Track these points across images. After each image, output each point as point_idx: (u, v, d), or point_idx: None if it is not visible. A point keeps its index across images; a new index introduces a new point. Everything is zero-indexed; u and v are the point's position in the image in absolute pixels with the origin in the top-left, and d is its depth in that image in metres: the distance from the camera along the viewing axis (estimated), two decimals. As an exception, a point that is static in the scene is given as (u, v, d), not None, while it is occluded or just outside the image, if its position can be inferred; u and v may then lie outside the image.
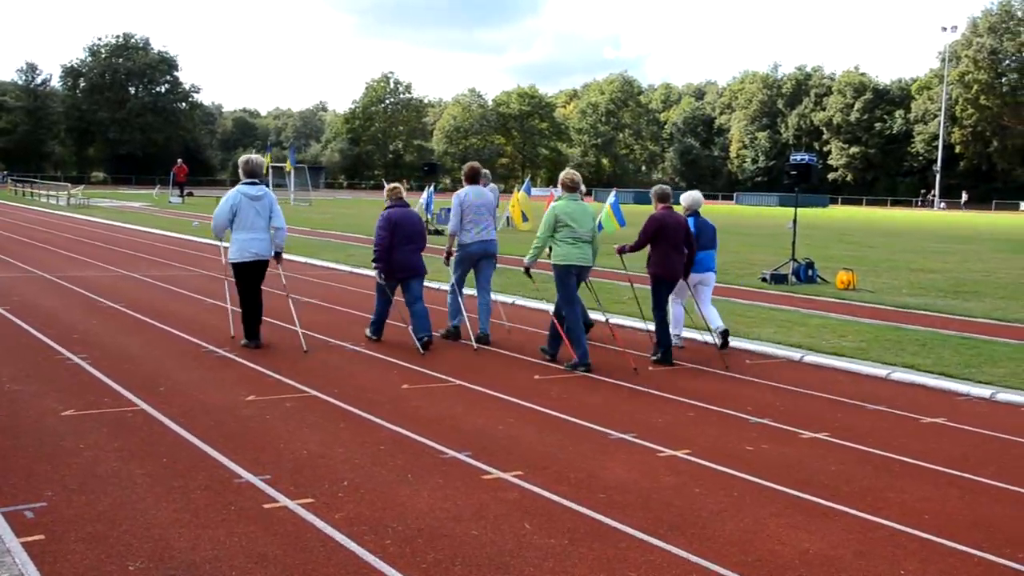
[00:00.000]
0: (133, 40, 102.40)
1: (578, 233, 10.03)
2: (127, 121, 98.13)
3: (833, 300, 14.94)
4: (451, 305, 11.30)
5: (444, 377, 8.57)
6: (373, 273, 11.10)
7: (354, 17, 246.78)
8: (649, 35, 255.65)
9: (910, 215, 67.94)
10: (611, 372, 9.06)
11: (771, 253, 23.27)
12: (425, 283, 11.85)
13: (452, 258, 11.46)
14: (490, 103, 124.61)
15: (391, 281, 10.85)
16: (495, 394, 7.94)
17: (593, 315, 11.44)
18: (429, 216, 27.29)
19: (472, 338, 10.99)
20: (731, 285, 16.61)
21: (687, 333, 11.55)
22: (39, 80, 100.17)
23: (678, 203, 11.13)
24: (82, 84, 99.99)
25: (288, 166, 54.13)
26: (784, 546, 4.70)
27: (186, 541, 4.47)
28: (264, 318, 11.16)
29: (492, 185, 19.00)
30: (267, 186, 10.37)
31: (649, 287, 10.48)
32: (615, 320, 12.10)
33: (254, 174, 10.26)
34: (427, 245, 11.15)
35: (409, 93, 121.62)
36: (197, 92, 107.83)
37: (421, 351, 10.15)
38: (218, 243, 10.47)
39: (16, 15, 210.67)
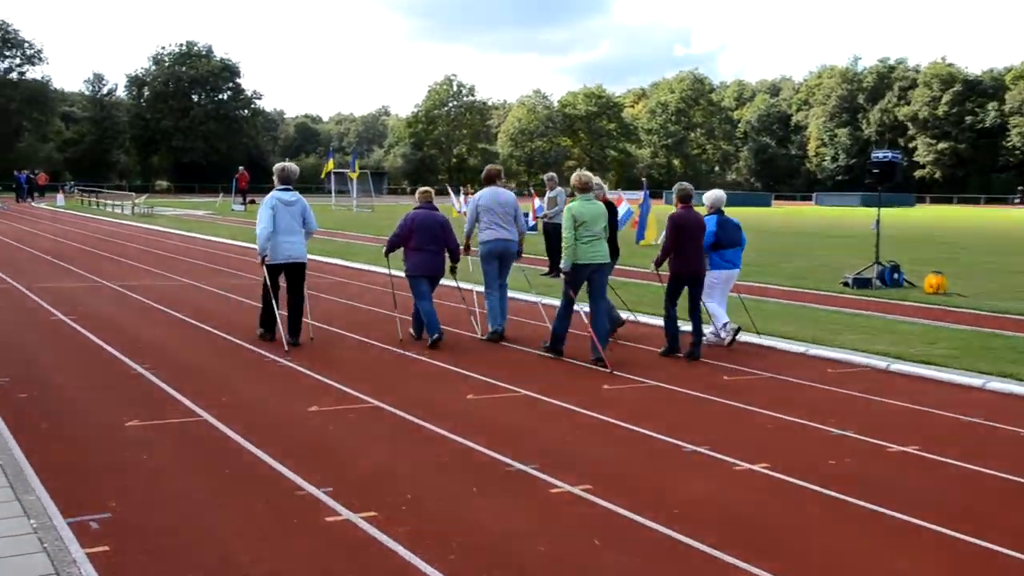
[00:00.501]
0: (196, 48, 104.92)
1: (593, 231, 10.73)
2: (190, 129, 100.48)
3: (921, 305, 14.60)
4: (488, 308, 12.09)
5: (510, 387, 8.56)
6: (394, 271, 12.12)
7: (415, 20, 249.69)
8: (720, 31, 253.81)
9: (1006, 214, 65.99)
10: (684, 381, 8.96)
11: (854, 256, 22.82)
12: (460, 284, 12.97)
13: (472, 254, 12.38)
14: (555, 104, 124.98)
15: (418, 279, 11.70)
16: (563, 404, 7.91)
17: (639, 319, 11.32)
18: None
19: (479, 332, 12.10)
20: (811, 291, 16.34)
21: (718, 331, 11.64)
22: (105, 90, 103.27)
23: (701, 203, 11.70)
24: (146, 93, 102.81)
25: (352, 172, 54.71)
26: (873, 568, 4.57)
27: (248, 555, 4.52)
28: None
29: (559, 190, 19.08)
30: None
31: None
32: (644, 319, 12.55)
33: (288, 180, 11.46)
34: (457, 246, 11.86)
35: (472, 96, 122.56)
36: (259, 99, 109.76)
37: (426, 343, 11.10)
38: (260, 264, 11.09)
39: (84, 26, 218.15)
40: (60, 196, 60.79)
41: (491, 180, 12.38)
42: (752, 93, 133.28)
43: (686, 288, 11.30)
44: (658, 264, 11.68)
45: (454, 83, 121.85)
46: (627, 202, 26.44)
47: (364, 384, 8.44)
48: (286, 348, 10.51)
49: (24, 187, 61.05)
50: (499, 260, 11.90)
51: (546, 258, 19.01)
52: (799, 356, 10.49)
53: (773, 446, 6.73)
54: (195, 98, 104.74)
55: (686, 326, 11.15)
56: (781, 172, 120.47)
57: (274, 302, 11.13)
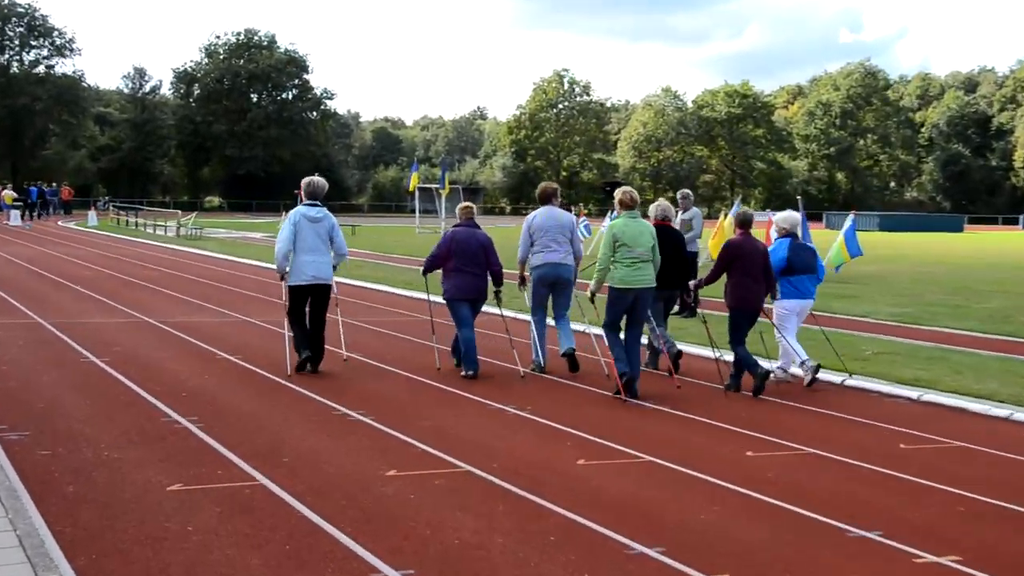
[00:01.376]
0: (256, 38, 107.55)
1: (636, 253, 11.71)
2: (248, 134, 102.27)
3: None
4: (533, 338, 13.09)
5: (629, 451, 8.60)
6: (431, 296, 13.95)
7: (514, 4, 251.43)
8: (899, 12, 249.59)
9: None
10: (846, 451, 8.80)
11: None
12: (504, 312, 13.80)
13: (527, 284, 13.31)
14: (689, 105, 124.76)
15: (457, 303, 12.74)
16: (695, 474, 7.90)
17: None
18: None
19: (532, 365, 12.96)
20: (1016, 338, 15.91)
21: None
22: (147, 88, 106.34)
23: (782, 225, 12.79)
24: (196, 91, 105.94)
25: (442, 189, 54.04)
26: None
27: (311, 648, 4.60)
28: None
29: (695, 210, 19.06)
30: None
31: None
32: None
33: (315, 196, 12.76)
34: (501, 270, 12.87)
35: (587, 95, 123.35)
36: (330, 99, 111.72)
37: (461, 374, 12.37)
38: (280, 280, 12.91)
39: (125, 12, 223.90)
40: (92, 214, 61.86)
41: (547, 199, 13.30)
42: (940, 89, 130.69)
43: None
44: (696, 287, 12.95)
45: (565, 80, 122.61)
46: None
47: (453, 446, 8.57)
48: (289, 371, 12.01)
49: (36, 202, 62.74)
50: (551, 288, 12.80)
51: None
52: (999, 421, 10.22)
53: (964, 533, 6.59)
54: (254, 97, 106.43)
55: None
56: (977, 188, 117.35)
57: (303, 325, 12.51)
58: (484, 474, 7.68)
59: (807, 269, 12.87)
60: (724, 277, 12.45)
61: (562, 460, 8.20)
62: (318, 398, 10.44)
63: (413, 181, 57.83)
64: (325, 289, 12.27)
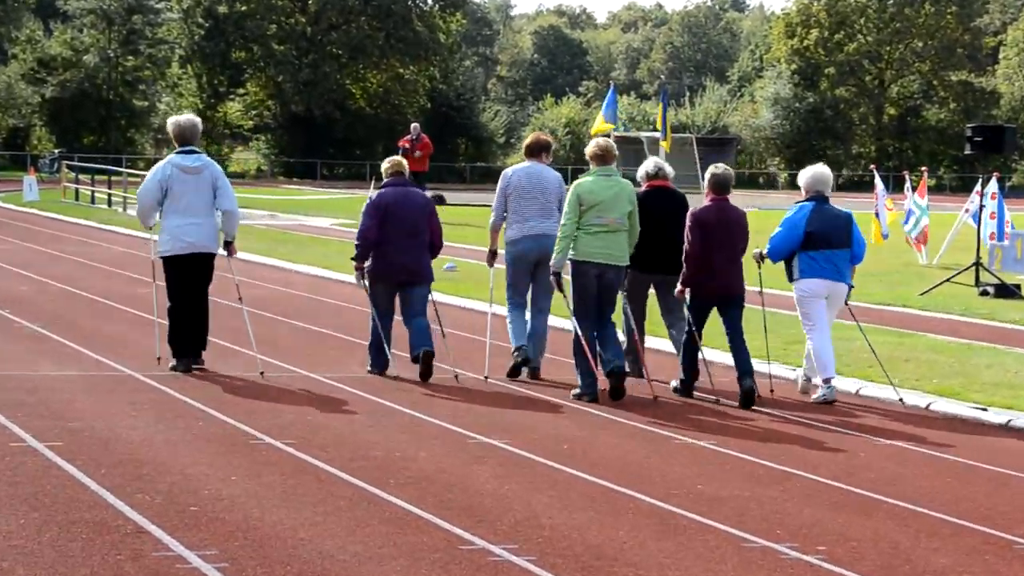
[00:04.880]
0: None
1: (604, 220, 11.51)
2: (310, 41, 78.58)
3: None
4: (510, 326, 12.45)
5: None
6: (352, 278, 13.97)
7: None
8: None
9: None
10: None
11: None
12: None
13: (495, 259, 13.13)
14: None
15: (382, 287, 12.84)
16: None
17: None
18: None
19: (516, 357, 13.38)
20: None
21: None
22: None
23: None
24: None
25: (663, 139, 38.57)
26: None
27: None
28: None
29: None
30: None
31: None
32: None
33: (187, 140, 11.49)
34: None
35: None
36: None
37: (418, 368, 13.10)
38: (147, 235, 11.89)
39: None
40: (30, 181, 47.88)
41: (536, 152, 12.60)
42: None
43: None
44: (685, 283, 12.46)
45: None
46: None
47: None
48: (158, 359, 12.82)
49: None
50: (535, 267, 12.23)
51: None
52: None
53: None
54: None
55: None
56: None
57: (182, 311, 12.06)
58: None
59: (831, 243, 12.01)
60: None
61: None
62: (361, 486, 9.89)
63: (599, 124, 37.94)
64: (206, 259, 11.54)
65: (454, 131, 74.60)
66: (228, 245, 12.83)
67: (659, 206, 12.58)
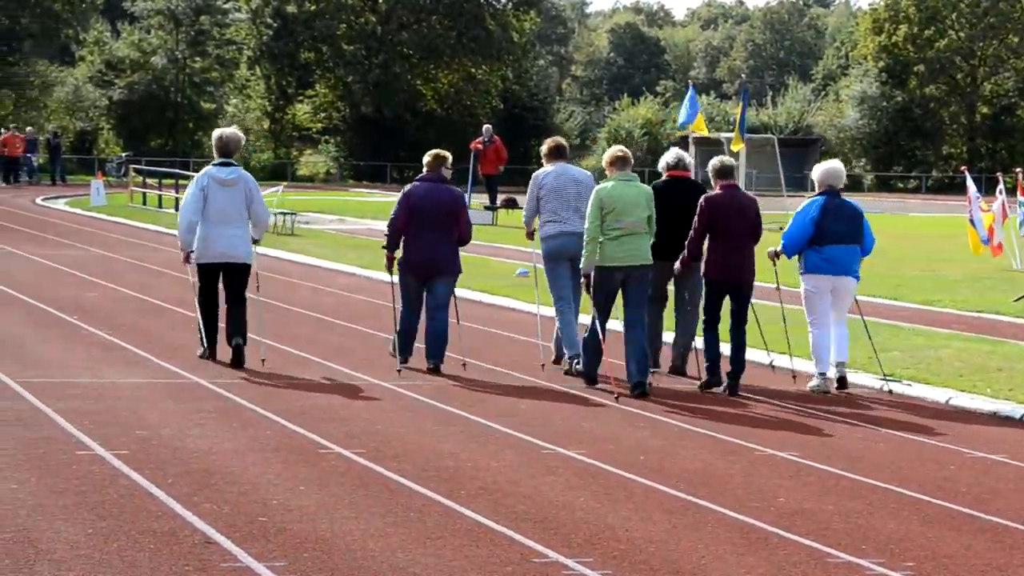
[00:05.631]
0: None
1: (624, 223, 12.33)
2: (379, 41, 77.03)
3: None
4: (560, 330, 14.19)
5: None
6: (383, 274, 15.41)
7: None
8: None
9: None
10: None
11: None
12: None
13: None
14: None
15: (411, 278, 13.84)
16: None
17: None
18: None
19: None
20: None
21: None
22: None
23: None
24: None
25: (736, 140, 37.79)
26: None
27: None
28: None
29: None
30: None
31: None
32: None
33: (227, 152, 12.61)
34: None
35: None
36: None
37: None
38: (184, 262, 13.86)
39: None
40: (97, 185, 48.85)
41: (557, 154, 13.81)
42: None
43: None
44: (683, 263, 13.32)
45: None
46: None
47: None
48: (204, 354, 14.11)
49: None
50: (571, 263, 13.24)
51: None
52: None
53: None
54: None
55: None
56: None
57: (214, 313, 13.88)
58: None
59: (845, 238, 12.63)
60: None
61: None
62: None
63: (697, 123, 39.75)
64: (242, 269, 12.48)
65: (527, 133, 73.91)
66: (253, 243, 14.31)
67: (678, 196, 13.39)
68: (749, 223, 12.80)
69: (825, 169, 13.27)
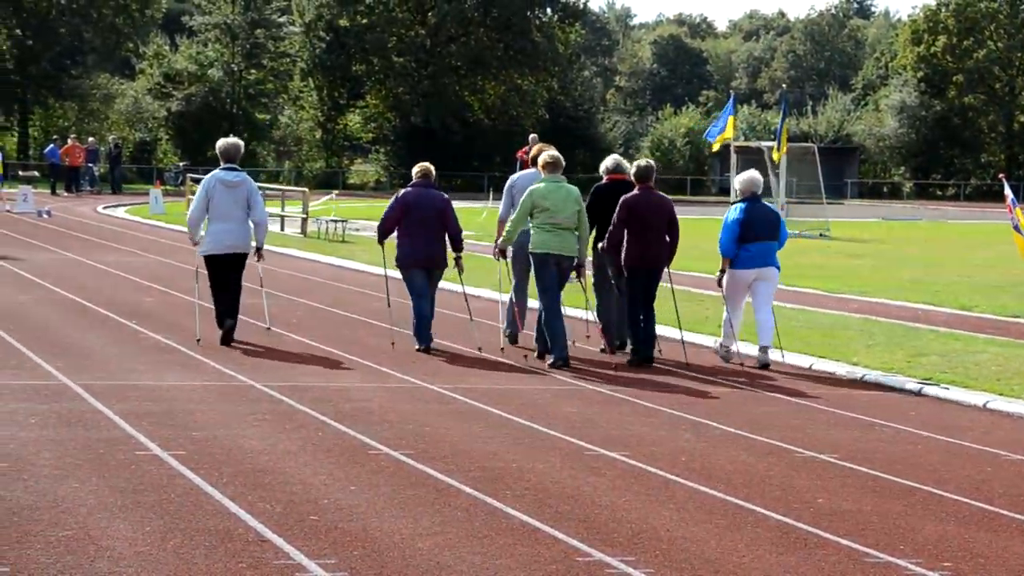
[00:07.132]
0: None
1: (557, 219, 14.23)
2: (429, 52, 77.52)
3: None
4: (508, 314, 16.10)
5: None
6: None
7: None
8: None
9: None
10: None
11: None
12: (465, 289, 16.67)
13: (506, 259, 15.63)
14: None
15: (416, 271, 15.52)
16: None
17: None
18: None
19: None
20: None
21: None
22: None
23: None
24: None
25: (776, 149, 37.30)
26: None
27: None
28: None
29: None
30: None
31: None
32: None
33: (231, 158, 13.87)
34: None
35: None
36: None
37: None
38: (193, 246, 15.92)
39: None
40: (157, 192, 48.57)
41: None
42: None
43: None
44: (604, 251, 15.12)
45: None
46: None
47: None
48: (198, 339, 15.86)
49: (58, 168, 56.38)
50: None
51: None
52: None
53: None
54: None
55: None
56: None
57: (224, 297, 15.33)
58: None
59: (767, 235, 14.62)
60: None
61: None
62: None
63: (726, 132, 38.05)
64: (241, 258, 13.90)
65: (572, 142, 73.63)
66: (257, 251, 16.06)
67: (618, 195, 14.93)
68: (663, 220, 14.58)
69: (746, 178, 14.95)
